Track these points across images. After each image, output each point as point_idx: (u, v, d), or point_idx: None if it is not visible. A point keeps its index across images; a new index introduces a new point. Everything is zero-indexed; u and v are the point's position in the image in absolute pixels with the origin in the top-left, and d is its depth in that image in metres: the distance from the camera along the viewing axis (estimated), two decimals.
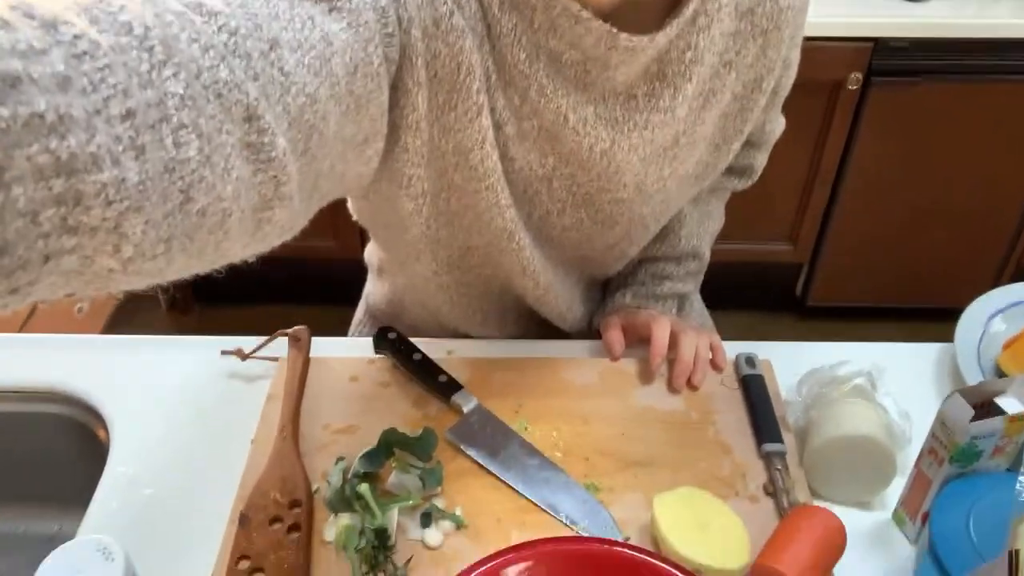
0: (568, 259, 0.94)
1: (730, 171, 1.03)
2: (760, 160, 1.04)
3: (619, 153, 0.78)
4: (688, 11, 0.71)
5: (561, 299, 0.95)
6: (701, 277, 1.10)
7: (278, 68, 0.49)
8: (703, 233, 1.05)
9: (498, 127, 0.75)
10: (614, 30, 0.68)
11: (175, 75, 0.41)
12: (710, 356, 0.96)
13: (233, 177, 0.45)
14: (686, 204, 1.00)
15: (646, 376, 0.96)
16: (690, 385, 0.94)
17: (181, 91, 0.41)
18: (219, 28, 0.46)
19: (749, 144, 1.00)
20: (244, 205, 0.47)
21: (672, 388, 0.94)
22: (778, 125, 1.02)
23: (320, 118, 0.53)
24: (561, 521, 0.81)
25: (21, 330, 2.32)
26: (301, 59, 0.51)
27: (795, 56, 0.87)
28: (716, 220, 1.08)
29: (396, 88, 0.69)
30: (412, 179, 0.77)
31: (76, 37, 0.37)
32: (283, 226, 0.53)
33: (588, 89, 0.74)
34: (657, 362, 0.94)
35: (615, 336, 0.97)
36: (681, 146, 0.81)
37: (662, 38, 0.71)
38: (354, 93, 0.58)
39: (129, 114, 0.38)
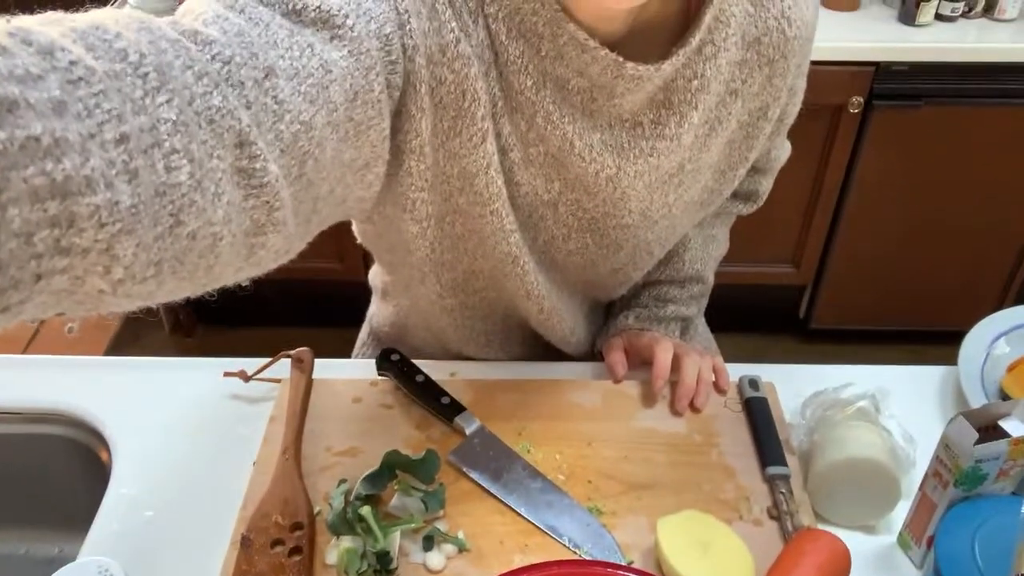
0: (572, 283, 0.94)
1: (735, 196, 1.03)
2: (765, 185, 1.04)
3: (624, 179, 0.79)
4: (695, 41, 0.71)
5: (565, 322, 0.96)
6: (705, 301, 1.10)
7: (272, 96, 0.49)
8: (707, 257, 1.05)
9: (504, 152, 0.76)
10: (620, 59, 0.69)
11: (168, 101, 0.42)
12: (713, 379, 0.96)
13: (224, 202, 0.45)
14: (691, 228, 1.00)
15: (649, 399, 0.96)
16: (693, 408, 0.94)
17: (174, 117, 0.42)
18: (213, 57, 0.47)
19: (755, 170, 1.00)
20: (235, 230, 0.47)
21: (675, 411, 0.94)
22: (783, 151, 1.02)
23: (316, 144, 0.53)
24: (564, 545, 0.81)
25: (24, 351, 2.32)
26: (297, 87, 0.52)
27: (801, 85, 0.88)
28: (720, 245, 1.08)
29: (400, 114, 0.69)
30: (416, 203, 0.77)
31: (72, 63, 0.38)
32: (278, 250, 0.54)
33: (594, 116, 0.74)
34: (660, 385, 0.94)
35: (618, 358, 0.97)
36: (686, 173, 0.82)
37: (668, 67, 0.71)
38: (353, 120, 0.59)
39: (123, 139, 0.39)
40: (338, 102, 0.56)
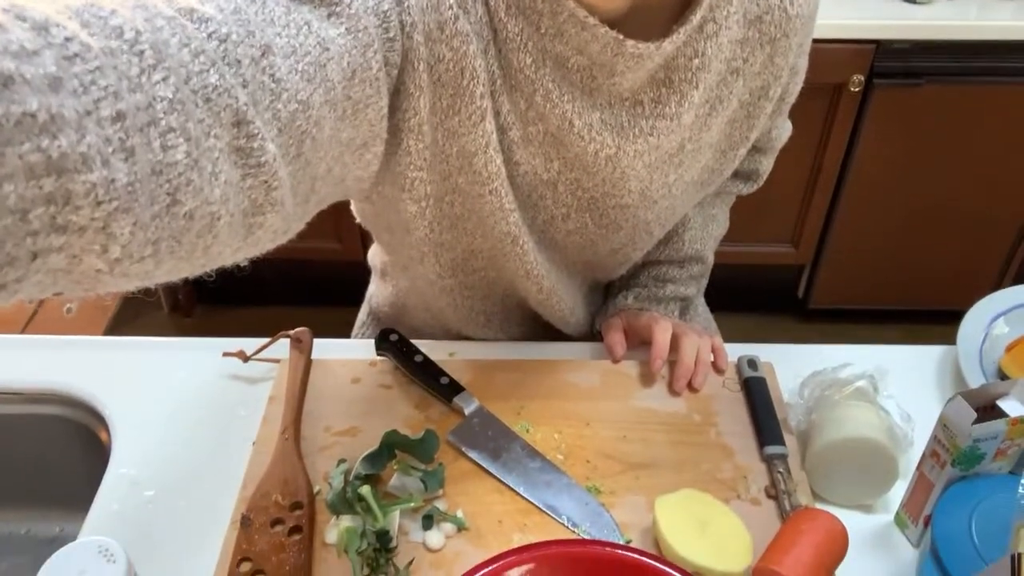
0: (572, 263, 0.94)
1: (736, 175, 1.03)
2: (766, 165, 1.04)
3: (624, 159, 0.78)
4: (696, 19, 0.70)
5: (564, 303, 0.95)
6: (705, 281, 1.10)
7: (269, 75, 0.49)
8: (707, 237, 1.05)
9: (503, 131, 0.75)
10: (620, 37, 0.68)
11: (164, 79, 0.42)
12: (711, 358, 0.96)
13: (221, 181, 0.45)
14: (691, 208, 1.00)
15: (648, 379, 0.96)
16: (691, 387, 0.94)
17: (170, 95, 0.42)
18: (209, 35, 0.46)
19: (755, 149, 1.00)
20: (233, 209, 0.47)
21: (673, 390, 0.94)
22: (784, 131, 1.02)
23: (313, 123, 0.53)
24: (563, 524, 0.81)
25: (23, 331, 2.32)
26: (294, 65, 0.51)
27: (803, 64, 0.87)
28: (720, 225, 1.08)
29: (398, 92, 0.69)
30: (415, 182, 0.76)
31: (67, 39, 0.38)
32: (276, 230, 0.54)
33: (594, 94, 0.74)
34: (658, 364, 0.94)
35: (616, 338, 0.98)
36: (687, 152, 0.81)
37: (669, 46, 0.70)
38: (351, 98, 0.58)
39: (119, 116, 0.39)
40: (336, 80, 0.55)
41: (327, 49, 0.54)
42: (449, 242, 0.85)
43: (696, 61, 0.74)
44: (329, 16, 0.56)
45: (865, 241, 2.16)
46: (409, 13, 0.64)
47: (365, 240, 2.14)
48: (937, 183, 2.05)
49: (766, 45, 0.78)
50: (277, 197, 0.51)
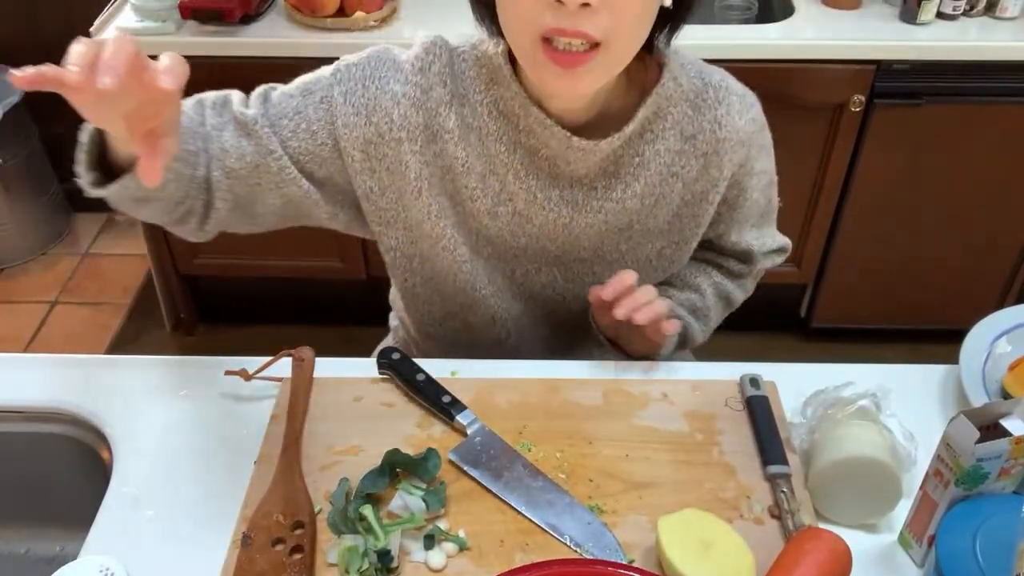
0: (551, 322, 1.08)
1: (730, 273, 1.13)
2: (749, 276, 1.14)
3: (576, 228, 0.98)
4: (628, 130, 0.92)
5: (534, 353, 1.08)
6: (701, 323, 1.12)
7: (219, 162, 0.93)
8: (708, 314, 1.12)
9: (472, 201, 0.97)
10: (569, 135, 0.91)
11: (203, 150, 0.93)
12: (663, 317, 0.95)
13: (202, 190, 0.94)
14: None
15: (650, 397, 0.96)
16: (633, 318, 0.92)
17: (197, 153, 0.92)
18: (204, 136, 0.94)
19: (745, 255, 1.10)
20: (197, 205, 0.95)
21: (613, 310, 0.93)
22: (762, 240, 1.09)
23: (242, 189, 0.96)
24: (565, 544, 0.81)
25: (25, 350, 2.32)
26: (226, 159, 0.93)
27: (753, 183, 1.02)
28: (705, 315, 1.12)
29: (344, 170, 0.97)
30: (380, 235, 1.02)
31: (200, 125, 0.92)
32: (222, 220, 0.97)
33: (557, 178, 0.96)
34: (608, 292, 0.93)
35: (603, 290, 0.95)
36: (635, 231, 1.00)
37: (605, 145, 0.92)
38: (260, 182, 0.95)
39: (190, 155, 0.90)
40: (243, 171, 0.94)
41: (242, 155, 0.94)
42: (424, 296, 1.06)
43: (637, 159, 0.96)
44: (246, 134, 0.94)
45: (867, 260, 2.16)
46: (343, 135, 0.94)
47: (367, 259, 2.15)
48: (938, 202, 2.05)
49: (700, 158, 0.97)
50: (213, 214, 0.95)
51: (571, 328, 1.08)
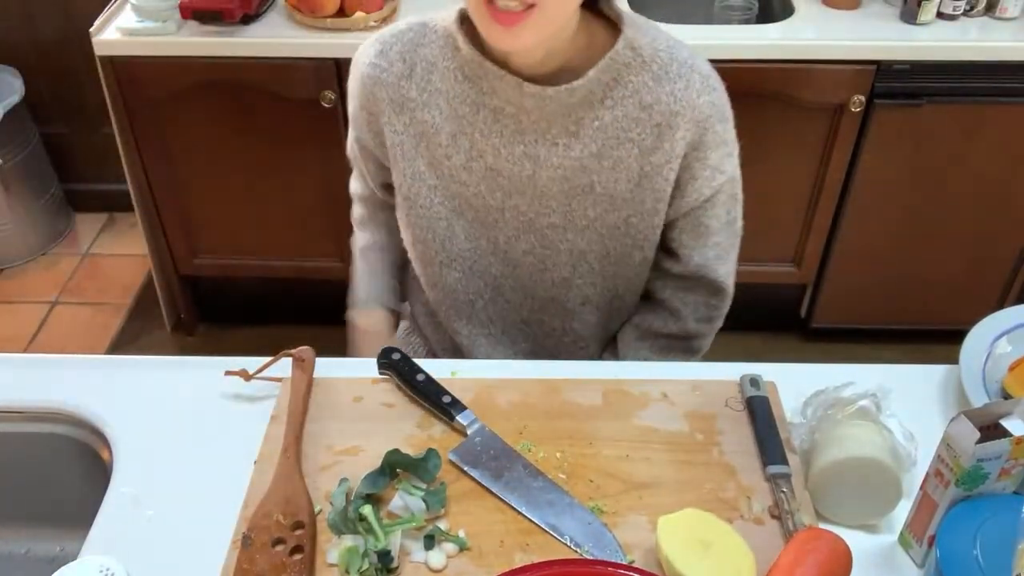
0: (532, 298, 1.11)
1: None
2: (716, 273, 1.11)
3: (540, 180, 1.02)
4: (576, 84, 0.96)
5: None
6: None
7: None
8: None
9: (447, 158, 1.03)
10: (520, 81, 0.96)
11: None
12: None
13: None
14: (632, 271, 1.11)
15: (650, 397, 0.96)
16: None
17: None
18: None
19: (693, 277, 1.11)
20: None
21: None
22: (712, 262, 1.09)
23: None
24: (565, 544, 0.81)
25: (25, 350, 2.32)
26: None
27: (706, 177, 1.02)
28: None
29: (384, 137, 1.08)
30: (398, 184, 1.09)
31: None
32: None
33: (521, 134, 1.00)
34: None
35: None
36: (597, 193, 1.03)
37: (553, 92, 0.96)
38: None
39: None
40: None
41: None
42: (415, 255, 1.13)
43: (596, 123, 0.99)
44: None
45: (867, 260, 2.16)
46: (374, 116, 1.06)
47: None
48: (938, 202, 2.05)
49: (654, 128, 0.99)
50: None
51: (551, 297, 1.11)
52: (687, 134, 0.99)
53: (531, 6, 0.87)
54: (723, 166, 1.03)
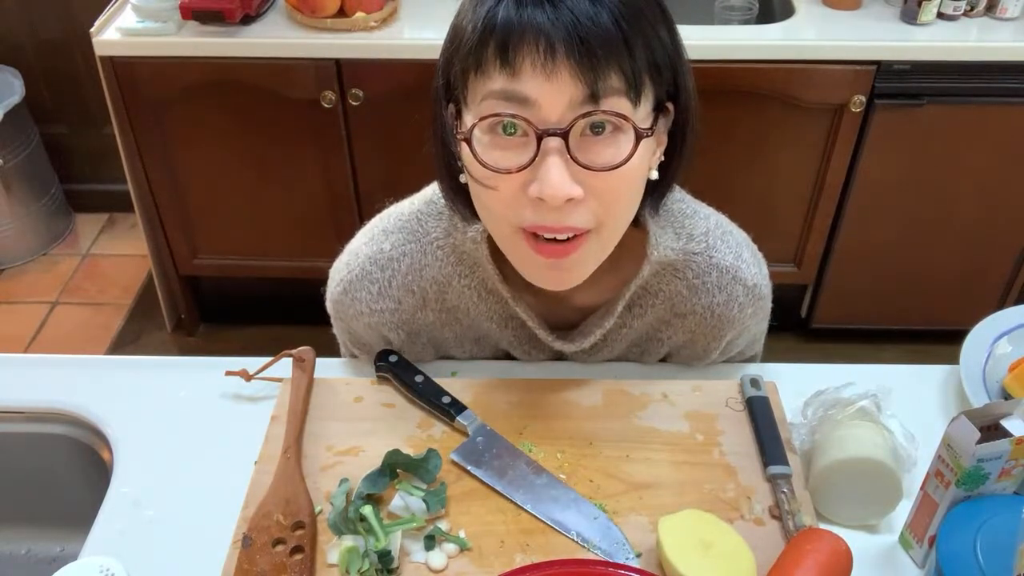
0: None
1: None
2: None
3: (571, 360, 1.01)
4: (608, 324, 0.92)
5: None
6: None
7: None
8: None
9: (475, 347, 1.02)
10: (552, 337, 0.94)
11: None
12: None
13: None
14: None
15: (651, 398, 0.96)
16: None
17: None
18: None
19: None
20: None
21: None
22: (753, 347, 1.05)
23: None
24: (572, 540, 0.81)
25: (26, 351, 2.32)
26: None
27: (746, 339, 1.00)
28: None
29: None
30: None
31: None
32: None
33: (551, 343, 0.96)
34: None
35: None
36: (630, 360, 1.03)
37: (587, 344, 0.94)
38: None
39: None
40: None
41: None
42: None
43: (624, 330, 0.97)
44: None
45: (868, 260, 2.16)
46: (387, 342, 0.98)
47: None
48: (939, 202, 2.05)
49: (688, 333, 0.96)
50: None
51: None
52: (728, 334, 0.95)
53: (584, 232, 0.73)
54: (761, 327, 1.01)
